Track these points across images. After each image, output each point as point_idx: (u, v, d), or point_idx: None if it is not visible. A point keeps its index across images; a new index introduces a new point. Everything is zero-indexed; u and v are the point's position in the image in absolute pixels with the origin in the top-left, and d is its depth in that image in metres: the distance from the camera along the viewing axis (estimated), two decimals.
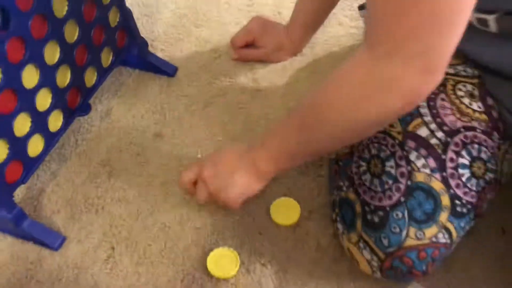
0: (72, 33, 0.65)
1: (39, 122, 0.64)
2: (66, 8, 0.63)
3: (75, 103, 0.70)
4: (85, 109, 0.72)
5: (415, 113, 0.57)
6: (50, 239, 0.65)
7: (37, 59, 0.60)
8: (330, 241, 0.64)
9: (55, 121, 0.67)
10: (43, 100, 0.63)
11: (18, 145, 0.61)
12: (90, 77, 0.72)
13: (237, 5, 0.94)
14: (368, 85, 0.47)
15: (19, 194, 0.69)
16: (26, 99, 0.60)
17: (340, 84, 0.50)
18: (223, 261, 0.61)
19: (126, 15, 0.75)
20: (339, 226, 0.59)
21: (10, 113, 0.58)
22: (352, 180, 0.59)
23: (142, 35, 0.80)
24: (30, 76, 0.60)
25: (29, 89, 0.60)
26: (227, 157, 0.62)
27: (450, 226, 0.53)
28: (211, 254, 0.62)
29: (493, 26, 0.51)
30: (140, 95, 0.81)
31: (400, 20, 0.43)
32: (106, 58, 0.74)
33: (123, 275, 0.62)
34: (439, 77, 0.46)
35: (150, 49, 0.84)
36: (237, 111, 0.78)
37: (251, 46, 0.85)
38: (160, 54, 0.85)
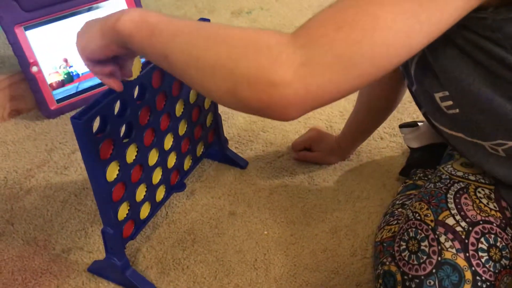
0: (182, 128, 0.87)
1: (151, 192, 0.83)
2: (182, 110, 0.85)
3: (175, 181, 0.90)
4: (181, 186, 0.91)
5: (444, 207, 0.73)
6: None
7: (159, 144, 0.81)
8: None
9: (160, 193, 0.86)
10: (157, 175, 0.83)
11: (135, 208, 0.79)
12: (187, 162, 0.92)
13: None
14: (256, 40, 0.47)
15: None
16: (147, 173, 0.80)
17: (238, 30, 0.50)
18: None
19: (217, 119, 0.97)
20: None
21: (136, 182, 0.78)
22: (394, 256, 0.74)
23: None
24: (153, 157, 0.80)
25: (150, 166, 0.80)
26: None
27: None
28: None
29: (501, 152, 0.67)
30: (218, 181, 1.00)
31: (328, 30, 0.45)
32: (199, 149, 0.95)
33: None
34: (297, 90, 0.45)
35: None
36: (295, 199, 0.96)
37: (307, 150, 1.05)
38: (234, 151, 1.06)
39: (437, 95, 0.66)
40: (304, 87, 0.45)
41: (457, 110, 0.65)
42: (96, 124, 0.67)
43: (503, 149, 0.66)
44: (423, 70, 0.67)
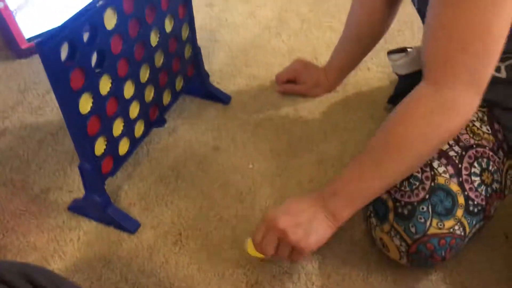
0: (159, 59, 0.82)
1: (129, 127, 0.79)
2: (157, 39, 0.80)
3: (154, 116, 0.86)
4: (161, 122, 0.88)
5: None
6: (128, 224, 0.78)
7: (135, 76, 0.77)
8: (361, 237, 0.76)
9: (139, 129, 0.82)
10: (134, 109, 0.79)
11: (112, 143, 0.76)
12: (166, 96, 0.88)
13: (281, 51, 1.12)
14: (435, 112, 0.59)
15: None
16: (123, 106, 0.76)
17: (408, 119, 0.61)
18: None
19: (196, 51, 0.92)
20: (373, 220, 0.71)
21: (112, 116, 0.74)
22: None
23: None
24: (128, 89, 0.76)
25: (127, 99, 0.76)
26: (301, 208, 0.66)
27: (464, 221, 0.65)
28: (249, 239, 0.69)
29: (503, 72, 0.65)
30: (201, 117, 0.96)
31: (460, 57, 0.56)
32: (179, 83, 0.91)
33: (189, 255, 0.75)
34: (481, 96, 0.59)
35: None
36: (281, 132, 0.93)
37: (292, 83, 1.02)
38: (217, 86, 1.02)
39: None
40: (479, 101, 0.59)
41: None
42: (64, 52, 0.63)
43: (506, 66, 0.64)
44: None
